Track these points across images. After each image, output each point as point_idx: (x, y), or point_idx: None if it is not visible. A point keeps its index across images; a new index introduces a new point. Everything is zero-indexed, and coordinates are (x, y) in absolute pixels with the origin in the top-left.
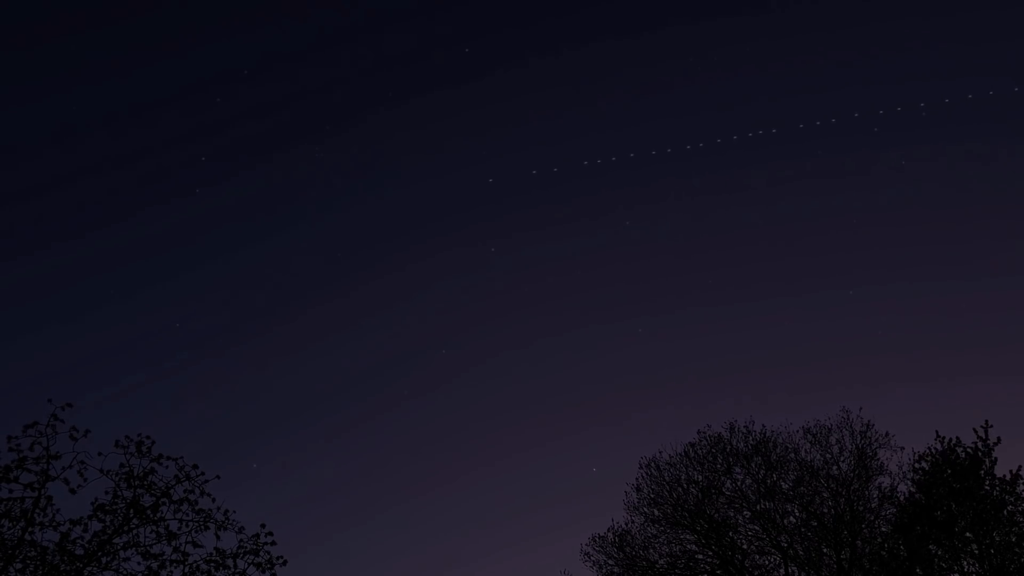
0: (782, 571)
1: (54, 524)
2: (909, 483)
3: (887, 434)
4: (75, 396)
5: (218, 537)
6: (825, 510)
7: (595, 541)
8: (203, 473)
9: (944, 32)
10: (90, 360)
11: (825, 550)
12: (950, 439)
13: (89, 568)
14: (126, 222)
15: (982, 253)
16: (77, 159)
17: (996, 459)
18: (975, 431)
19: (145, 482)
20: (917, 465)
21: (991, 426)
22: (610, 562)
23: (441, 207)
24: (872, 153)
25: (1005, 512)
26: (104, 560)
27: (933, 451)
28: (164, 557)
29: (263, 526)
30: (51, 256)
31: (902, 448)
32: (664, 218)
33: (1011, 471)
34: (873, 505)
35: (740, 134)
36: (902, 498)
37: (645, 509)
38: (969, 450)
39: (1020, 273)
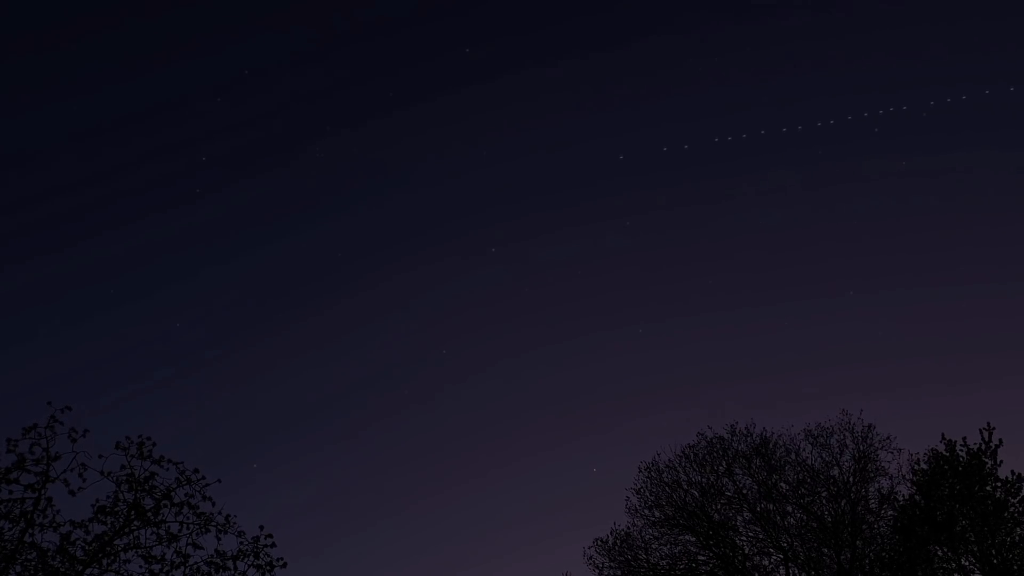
0: (782, 572)
1: (54, 525)
2: (909, 484)
3: (888, 437)
4: (77, 400)
5: (219, 540)
6: (825, 512)
7: (597, 544)
8: (204, 477)
9: (944, 35)
10: (92, 364)
11: (826, 551)
12: (953, 440)
13: (89, 570)
14: (127, 227)
15: (982, 256)
16: (80, 165)
17: (1002, 461)
18: (980, 432)
19: (147, 485)
20: (918, 467)
21: (994, 428)
22: (612, 564)
23: (441, 211)
24: (871, 156)
25: (1007, 513)
26: (105, 562)
27: (936, 452)
28: (165, 559)
29: (262, 528)
30: (54, 261)
31: (900, 450)
32: (663, 222)
33: (1012, 471)
34: (873, 506)
35: (739, 136)
36: (903, 499)
37: (646, 512)
38: (972, 450)
39: (1021, 278)
